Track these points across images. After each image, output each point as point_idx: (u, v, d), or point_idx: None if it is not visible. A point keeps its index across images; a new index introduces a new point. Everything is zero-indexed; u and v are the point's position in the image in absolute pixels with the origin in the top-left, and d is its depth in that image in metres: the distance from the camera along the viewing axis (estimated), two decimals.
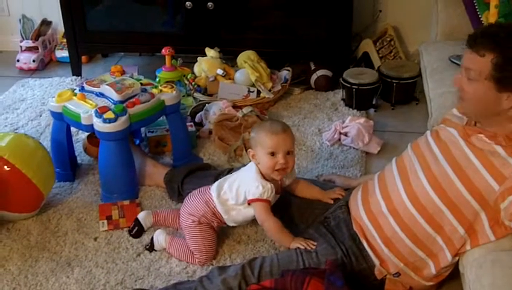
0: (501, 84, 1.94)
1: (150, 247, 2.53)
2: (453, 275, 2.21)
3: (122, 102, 2.74)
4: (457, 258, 2.11)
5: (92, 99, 2.79)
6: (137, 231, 2.61)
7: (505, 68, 1.91)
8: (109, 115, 2.64)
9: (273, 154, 2.32)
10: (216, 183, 2.45)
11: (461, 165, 2.03)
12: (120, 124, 2.65)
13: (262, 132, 2.35)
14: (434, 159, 2.12)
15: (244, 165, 2.60)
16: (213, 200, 2.40)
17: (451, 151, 2.10)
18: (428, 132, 2.30)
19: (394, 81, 3.71)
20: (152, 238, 2.54)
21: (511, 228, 1.94)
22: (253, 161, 2.39)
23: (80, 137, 3.33)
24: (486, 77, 1.95)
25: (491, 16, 3.23)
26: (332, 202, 2.45)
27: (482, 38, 1.96)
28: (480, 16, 3.33)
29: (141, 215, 2.63)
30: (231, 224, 2.48)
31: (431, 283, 2.20)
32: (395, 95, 3.75)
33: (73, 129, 3.12)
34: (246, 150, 3.15)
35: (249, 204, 2.36)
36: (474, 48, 1.98)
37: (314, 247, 2.24)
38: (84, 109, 2.72)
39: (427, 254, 2.13)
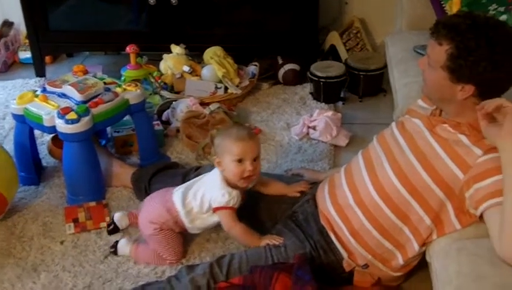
0: (454, 74, 1.95)
1: (114, 251, 2.49)
2: (421, 264, 2.20)
3: (85, 102, 2.69)
4: (424, 248, 2.11)
5: (54, 100, 2.74)
6: (113, 228, 2.59)
7: (458, 59, 1.91)
8: (72, 115, 2.59)
9: (240, 161, 2.28)
10: (179, 192, 2.38)
11: (426, 155, 2.03)
12: (83, 124, 2.61)
13: (228, 139, 2.30)
14: (399, 150, 2.12)
15: (211, 167, 2.58)
16: (176, 209, 2.35)
17: (416, 142, 2.10)
18: (393, 123, 2.30)
19: (361, 73, 3.71)
20: (117, 243, 2.50)
21: (476, 216, 1.94)
22: (218, 168, 2.35)
23: (44, 139, 3.28)
24: (441, 66, 1.96)
25: (454, 5, 3.23)
26: (298, 194, 2.43)
27: (442, 28, 1.97)
28: (444, 6, 3.33)
29: (117, 217, 2.59)
30: (194, 232, 2.45)
31: (399, 274, 2.20)
32: (362, 87, 3.75)
33: (37, 132, 3.06)
34: None
35: (214, 212, 2.33)
36: (435, 36, 1.99)
37: (282, 242, 2.23)
38: (46, 111, 2.68)
39: (394, 245, 2.12)
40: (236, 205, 2.31)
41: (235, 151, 2.28)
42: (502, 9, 3.10)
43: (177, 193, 2.38)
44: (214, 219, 2.35)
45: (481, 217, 1.91)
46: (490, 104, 1.87)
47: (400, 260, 2.14)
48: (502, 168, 1.81)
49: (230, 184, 2.31)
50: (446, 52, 1.94)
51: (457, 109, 2.02)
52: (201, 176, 2.47)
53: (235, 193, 2.30)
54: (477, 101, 1.96)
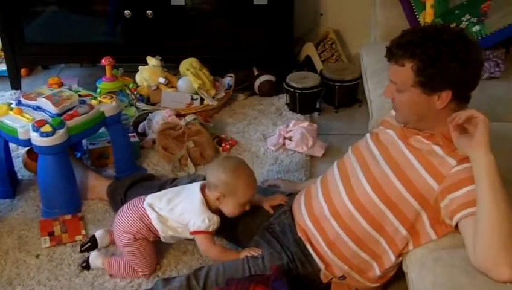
0: (427, 87, 1.96)
1: (86, 266, 2.47)
2: (398, 275, 2.21)
3: (59, 115, 2.68)
4: (400, 258, 2.12)
5: (29, 113, 2.72)
6: (89, 247, 2.55)
7: (426, 71, 1.93)
8: (47, 128, 2.58)
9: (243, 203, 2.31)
10: (152, 199, 2.37)
11: (400, 166, 2.05)
12: (58, 137, 2.60)
13: (242, 183, 2.29)
14: (374, 161, 2.14)
15: (187, 179, 2.58)
16: (148, 216, 2.33)
17: (390, 153, 2.11)
18: (368, 135, 2.32)
19: (337, 84, 3.74)
20: (88, 259, 2.48)
21: (451, 226, 1.95)
22: (209, 199, 2.31)
23: (19, 152, 3.25)
24: (412, 85, 1.97)
25: (427, 16, 3.27)
26: (271, 211, 2.43)
27: (397, 49, 1.98)
28: (417, 16, 3.37)
29: (98, 234, 2.57)
30: (167, 241, 2.44)
31: (376, 285, 2.21)
32: (338, 98, 3.78)
33: (12, 145, 3.04)
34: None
35: (191, 234, 2.31)
36: (393, 60, 2.01)
37: (260, 253, 2.23)
38: (21, 124, 2.65)
39: (370, 255, 2.13)
40: (214, 229, 2.31)
41: (245, 198, 2.30)
42: (474, 20, 3.14)
43: (149, 200, 2.37)
44: (188, 235, 2.34)
45: (456, 227, 1.93)
46: (461, 115, 1.89)
47: (377, 270, 2.15)
48: (474, 178, 1.83)
49: (211, 208, 2.31)
50: (412, 69, 1.95)
51: (434, 121, 2.03)
52: (179, 188, 2.46)
53: (215, 218, 2.29)
54: (455, 107, 1.98)
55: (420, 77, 1.95)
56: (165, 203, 2.35)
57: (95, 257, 2.47)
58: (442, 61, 1.91)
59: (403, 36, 2.02)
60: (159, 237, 2.38)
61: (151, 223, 2.33)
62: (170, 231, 2.35)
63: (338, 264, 2.16)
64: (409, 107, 2.04)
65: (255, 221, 2.42)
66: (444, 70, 1.91)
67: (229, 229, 2.42)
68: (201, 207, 2.28)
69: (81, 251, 2.54)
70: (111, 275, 2.43)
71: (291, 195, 2.50)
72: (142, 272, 2.40)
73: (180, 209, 2.31)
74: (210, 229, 2.28)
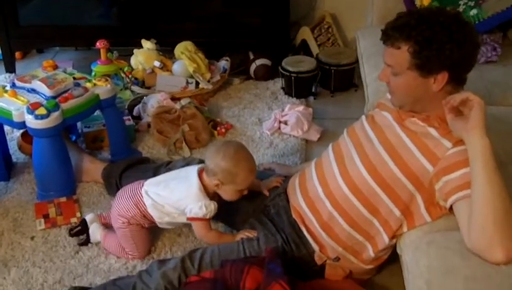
0: (423, 69, 1.95)
1: (86, 241, 2.49)
2: (393, 258, 2.22)
3: (54, 97, 2.67)
4: (394, 240, 2.12)
5: (23, 95, 2.71)
6: (78, 231, 2.53)
7: (422, 53, 1.92)
8: (41, 111, 2.57)
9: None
10: (149, 186, 2.36)
11: (396, 148, 2.05)
12: (53, 119, 2.59)
13: (242, 171, 2.25)
14: (369, 143, 2.14)
15: (182, 162, 2.57)
16: (144, 203, 2.32)
17: (386, 135, 2.11)
18: (363, 117, 2.31)
19: (333, 68, 3.73)
20: (88, 232, 2.50)
21: (445, 209, 1.96)
22: (207, 185, 2.29)
23: (14, 135, 3.24)
24: (408, 67, 1.97)
25: None
26: (267, 193, 2.43)
27: (393, 32, 1.97)
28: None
29: (89, 218, 2.55)
30: (163, 227, 2.44)
31: (370, 266, 2.22)
32: (334, 82, 3.77)
33: (7, 127, 3.03)
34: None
35: (188, 220, 2.31)
36: (389, 42, 2.00)
37: (255, 235, 2.24)
38: (15, 106, 2.65)
39: (364, 237, 2.14)
40: (212, 216, 2.30)
41: (244, 184, 2.28)
42: (471, 3, 3.13)
43: (146, 186, 2.36)
44: (185, 221, 2.33)
45: (451, 209, 1.93)
46: (456, 97, 1.88)
47: (371, 252, 2.15)
48: (469, 160, 1.83)
49: (209, 194, 2.30)
50: (408, 51, 1.94)
51: (430, 103, 2.02)
52: (177, 172, 2.45)
53: (213, 205, 2.28)
54: (451, 89, 1.97)
55: (416, 59, 1.94)
56: (162, 188, 2.34)
57: (95, 229, 2.48)
58: (438, 43, 1.90)
59: (398, 19, 2.01)
60: (155, 223, 2.39)
61: (147, 211, 2.33)
62: (167, 217, 2.34)
63: (332, 246, 2.16)
64: (405, 90, 2.04)
65: (250, 204, 2.42)
66: (440, 52, 1.90)
67: (225, 213, 2.42)
68: (199, 194, 2.27)
69: (71, 235, 2.54)
70: (104, 249, 2.45)
71: (286, 178, 2.50)
72: (131, 255, 2.41)
73: (178, 196, 2.30)
74: (207, 217, 2.28)
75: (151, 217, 2.34)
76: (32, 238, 2.55)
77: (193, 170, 2.34)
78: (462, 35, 1.91)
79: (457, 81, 2.00)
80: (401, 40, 1.95)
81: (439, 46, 1.90)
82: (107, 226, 2.53)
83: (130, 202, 2.35)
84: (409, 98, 2.05)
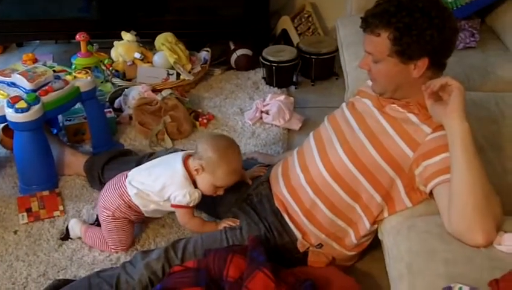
0: (404, 56, 1.96)
1: (65, 236, 2.49)
2: (375, 244, 2.25)
3: (34, 90, 2.66)
4: (376, 226, 2.14)
5: (3, 89, 2.70)
6: (66, 236, 2.53)
7: (402, 39, 1.93)
8: (21, 104, 2.56)
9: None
10: (133, 176, 2.36)
11: (376, 134, 2.06)
12: (33, 113, 2.58)
13: (225, 166, 2.24)
14: (349, 130, 2.15)
15: (166, 150, 2.56)
16: (128, 194, 2.32)
17: (366, 121, 2.12)
18: (344, 104, 2.33)
19: (313, 57, 3.74)
20: (67, 227, 2.50)
21: (426, 194, 1.98)
22: (190, 171, 2.28)
23: None
24: (388, 54, 1.97)
25: None
26: (250, 182, 2.44)
27: (372, 19, 1.98)
28: None
29: (71, 223, 2.52)
30: (149, 215, 2.43)
31: (353, 253, 2.24)
32: (314, 71, 3.78)
33: None
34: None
35: (172, 207, 2.31)
36: (368, 30, 2.00)
37: (238, 224, 2.25)
38: None
39: (346, 223, 2.15)
40: (195, 204, 2.30)
41: (223, 181, 2.28)
42: None
43: (130, 176, 2.36)
44: (170, 208, 2.33)
45: (431, 194, 1.95)
46: (435, 82, 1.90)
47: (353, 237, 2.17)
48: (449, 145, 1.84)
49: (194, 182, 2.29)
50: (388, 38, 1.95)
51: (410, 90, 2.03)
52: (161, 158, 2.45)
53: (197, 194, 2.28)
54: (431, 74, 1.99)
55: (397, 46, 1.95)
56: (145, 176, 2.33)
57: (74, 224, 2.48)
58: (418, 29, 1.91)
59: (377, 6, 2.01)
60: (142, 214, 2.38)
61: (131, 201, 2.32)
62: (152, 205, 2.33)
63: (315, 233, 2.18)
64: (386, 77, 2.05)
65: (233, 193, 2.41)
66: (420, 38, 1.91)
67: (208, 202, 2.42)
68: (184, 181, 2.27)
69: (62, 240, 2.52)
70: (85, 243, 2.46)
71: (269, 167, 2.51)
72: (114, 248, 2.41)
73: (162, 183, 2.28)
74: (191, 205, 2.28)
75: (137, 207, 2.34)
76: (15, 232, 2.54)
77: (178, 156, 2.33)
78: (442, 20, 1.92)
79: (437, 67, 2.01)
80: (381, 27, 1.96)
81: (419, 32, 1.91)
82: None
83: (114, 194, 2.34)
84: (390, 84, 2.06)
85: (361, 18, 2.04)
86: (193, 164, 2.28)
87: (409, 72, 1.99)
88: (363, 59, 2.10)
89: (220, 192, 2.32)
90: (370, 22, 1.99)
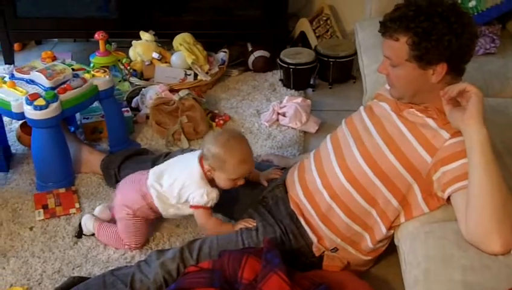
0: (422, 61, 1.95)
1: (79, 233, 2.50)
2: (390, 250, 2.23)
3: (53, 88, 2.67)
4: (392, 231, 2.13)
5: (22, 86, 2.71)
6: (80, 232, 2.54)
7: (421, 44, 1.92)
8: (40, 101, 2.57)
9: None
10: (153, 177, 2.36)
11: (394, 139, 2.05)
12: (51, 110, 2.59)
13: (231, 159, 2.23)
14: (367, 133, 2.14)
15: (183, 150, 2.56)
16: (150, 195, 2.33)
17: (384, 126, 2.11)
18: (362, 107, 2.32)
19: (331, 60, 3.73)
20: (80, 224, 2.51)
21: (443, 200, 1.96)
22: (205, 172, 2.28)
23: (13, 126, 3.25)
24: (407, 59, 1.96)
25: None
26: (266, 184, 2.44)
27: (391, 24, 1.97)
28: None
29: (98, 210, 2.55)
30: (168, 217, 2.44)
31: (369, 257, 2.23)
32: (332, 74, 3.77)
33: (6, 119, 3.04)
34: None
35: (190, 208, 2.31)
36: (387, 34, 1.99)
37: (254, 225, 2.25)
38: (14, 97, 2.64)
39: (363, 227, 2.14)
40: (213, 204, 2.30)
41: (236, 173, 2.27)
42: None
43: (151, 178, 2.36)
44: (190, 211, 2.34)
45: (448, 200, 1.94)
46: (453, 88, 1.88)
47: (369, 242, 2.16)
48: (467, 151, 1.83)
49: (210, 181, 2.30)
50: (406, 43, 1.94)
51: (429, 95, 2.02)
52: (176, 159, 2.45)
53: (214, 193, 2.28)
54: (450, 80, 1.97)
55: (415, 51, 1.94)
56: (165, 179, 2.34)
57: (87, 220, 2.49)
58: (437, 34, 1.90)
59: (396, 10, 2.00)
60: (160, 215, 2.40)
61: (153, 203, 2.34)
62: (171, 209, 2.35)
63: (330, 237, 2.17)
64: (404, 81, 2.04)
65: (249, 194, 2.42)
66: (439, 43, 1.90)
67: (223, 203, 2.41)
68: (200, 181, 2.27)
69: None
70: (98, 240, 2.47)
71: (285, 169, 2.50)
72: (128, 245, 2.42)
73: (181, 184, 2.29)
74: (209, 205, 2.29)
75: (157, 209, 2.35)
76: (31, 228, 2.56)
77: (194, 157, 2.34)
78: (461, 26, 1.91)
79: (456, 72, 2.00)
80: (400, 32, 1.95)
81: (438, 38, 1.90)
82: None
83: (137, 195, 2.35)
84: (408, 89, 2.05)
85: (380, 22, 2.04)
86: (205, 165, 2.28)
87: (427, 77, 1.98)
88: (382, 64, 2.09)
89: (241, 182, 2.31)
90: (388, 27, 1.98)
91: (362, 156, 2.09)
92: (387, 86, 2.24)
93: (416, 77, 1.99)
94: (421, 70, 1.97)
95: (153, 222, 2.48)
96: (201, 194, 2.26)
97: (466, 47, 1.96)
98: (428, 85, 2.00)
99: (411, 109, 2.06)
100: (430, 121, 2.00)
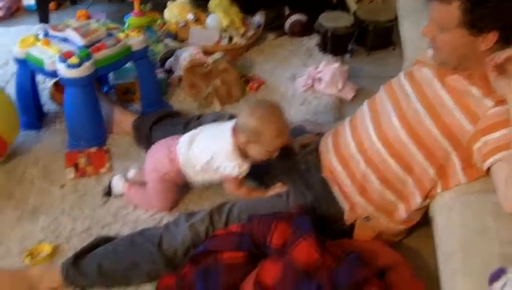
0: (474, 28, 1.86)
1: (108, 192, 2.49)
2: (423, 221, 2.18)
3: (87, 47, 2.65)
4: (427, 201, 2.07)
5: (56, 44, 2.69)
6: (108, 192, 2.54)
7: (474, 10, 1.83)
8: (74, 60, 2.55)
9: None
10: (184, 143, 2.32)
11: (434, 105, 1.98)
12: (85, 69, 2.57)
13: (268, 132, 2.18)
14: (406, 99, 2.07)
15: (213, 116, 2.53)
16: (179, 161, 2.30)
17: (425, 91, 2.04)
18: (401, 73, 2.24)
19: (370, 25, 3.63)
20: (110, 184, 2.50)
21: (482, 170, 1.90)
22: (238, 144, 2.23)
23: (46, 85, 3.23)
24: (457, 25, 1.87)
25: None
26: (298, 150, 2.38)
27: None
28: None
29: (132, 173, 2.54)
30: (196, 185, 2.43)
31: (401, 227, 2.17)
32: (371, 40, 3.68)
33: (39, 78, 3.03)
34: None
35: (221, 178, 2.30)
36: None
37: (285, 190, 2.21)
38: (48, 55, 2.63)
39: (397, 196, 2.09)
40: (244, 174, 2.27)
41: (273, 146, 2.23)
42: None
43: (181, 143, 2.33)
44: (217, 177, 2.31)
45: (488, 170, 1.87)
46: (501, 55, 1.80)
47: (403, 212, 2.10)
48: (510, 120, 1.76)
49: (243, 153, 2.26)
50: (459, 8, 1.85)
51: (474, 62, 1.94)
52: (209, 127, 2.41)
53: (246, 166, 2.25)
54: (499, 48, 1.87)
55: (468, 17, 1.84)
56: (195, 146, 2.31)
57: (117, 181, 2.49)
58: (494, 1, 1.81)
59: None
60: (188, 181, 2.38)
61: (181, 168, 2.31)
62: (200, 176, 2.33)
63: (363, 205, 2.12)
64: (451, 48, 1.95)
65: (281, 160, 2.36)
66: (495, 10, 1.82)
67: (255, 169, 2.37)
68: (233, 153, 2.24)
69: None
70: (128, 200, 2.46)
71: (319, 136, 2.45)
72: (157, 207, 2.41)
73: (211, 154, 2.26)
74: (240, 176, 2.26)
75: (184, 174, 2.33)
76: (62, 186, 2.56)
77: (227, 127, 2.29)
78: None
79: (506, 41, 1.89)
80: None
81: (494, 4, 1.81)
82: None
83: (165, 159, 2.33)
84: (453, 56, 1.97)
85: None
86: (239, 137, 2.23)
87: (476, 44, 1.89)
88: (427, 26, 2.00)
89: (276, 154, 2.27)
90: None
91: (400, 122, 2.03)
92: (429, 52, 2.16)
93: (464, 44, 1.91)
94: (470, 38, 1.88)
95: (182, 185, 2.45)
96: (233, 166, 2.23)
97: None
98: (476, 53, 1.91)
99: (455, 76, 1.98)
100: (474, 89, 1.93)
